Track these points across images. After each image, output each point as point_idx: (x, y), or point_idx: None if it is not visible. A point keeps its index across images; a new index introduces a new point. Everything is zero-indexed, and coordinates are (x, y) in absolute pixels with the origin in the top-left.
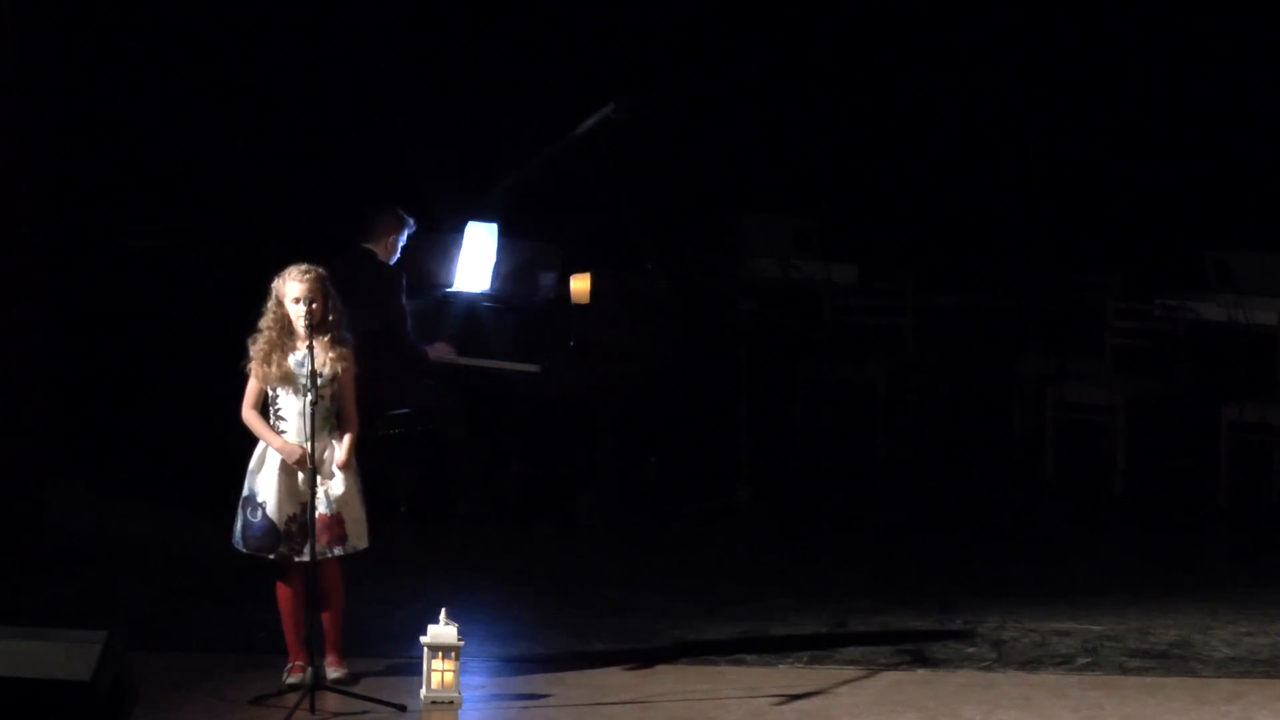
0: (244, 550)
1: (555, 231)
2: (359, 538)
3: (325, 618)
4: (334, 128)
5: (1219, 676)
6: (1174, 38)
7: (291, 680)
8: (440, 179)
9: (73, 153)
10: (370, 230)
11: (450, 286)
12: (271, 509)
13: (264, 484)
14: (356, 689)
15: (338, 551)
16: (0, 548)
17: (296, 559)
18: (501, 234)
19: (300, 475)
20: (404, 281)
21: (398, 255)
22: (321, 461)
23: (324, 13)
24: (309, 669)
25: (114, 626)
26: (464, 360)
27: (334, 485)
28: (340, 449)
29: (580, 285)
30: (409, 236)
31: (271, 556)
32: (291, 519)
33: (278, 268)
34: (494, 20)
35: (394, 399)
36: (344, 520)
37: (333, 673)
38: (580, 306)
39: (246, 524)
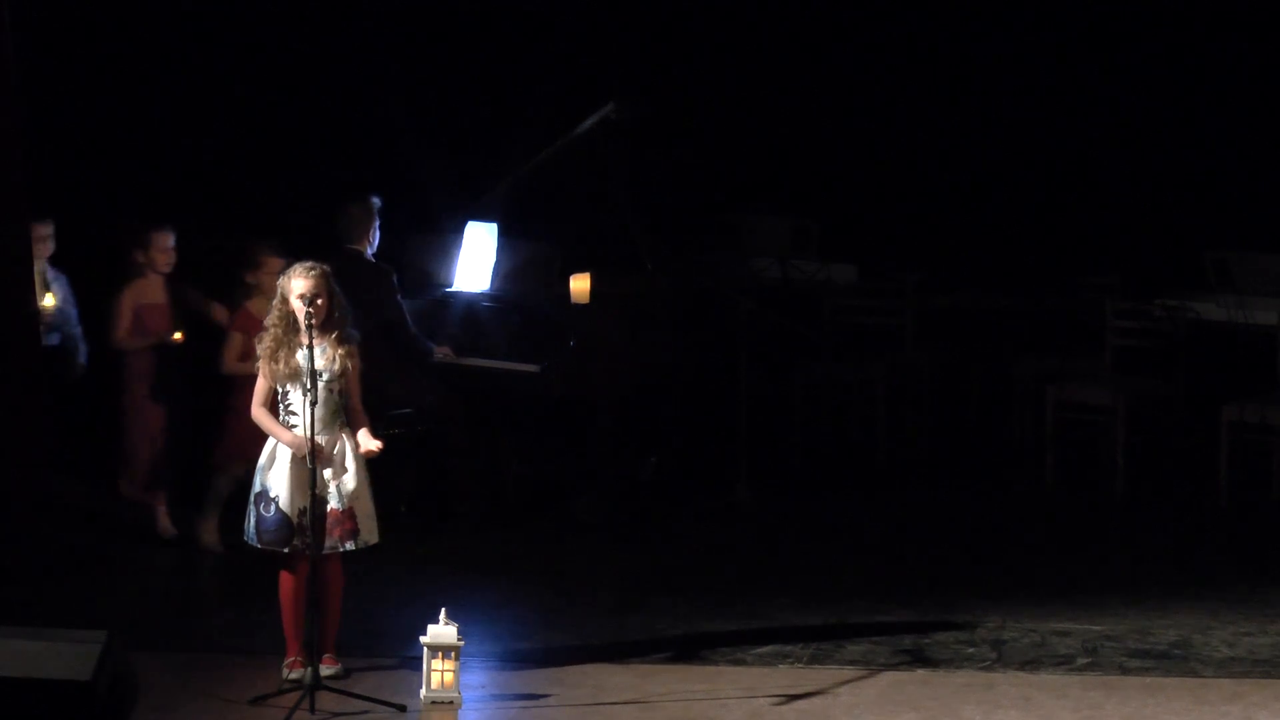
0: (259, 546)
1: (555, 231)
2: (370, 532)
3: (324, 615)
4: (334, 127)
5: (1219, 676)
6: (1174, 38)
7: (293, 676)
8: (440, 179)
9: (72, 152)
10: (348, 229)
11: (450, 286)
12: (284, 502)
13: (275, 479)
14: (356, 689)
15: (349, 546)
16: (0, 549)
17: (309, 553)
18: (501, 234)
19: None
20: (395, 278)
21: (377, 241)
22: (331, 457)
23: (324, 12)
24: (308, 666)
25: (114, 626)
26: (464, 360)
27: (345, 480)
28: (365, 440)
29: (580, 285)
30: (381, 215)
31: (286, 550)
32: (303, 512)
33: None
34: (494, 20)
35: (394, 399)
36: (355, 515)
37: (326, 670)
38: (580, 306)
39: (260, 519)
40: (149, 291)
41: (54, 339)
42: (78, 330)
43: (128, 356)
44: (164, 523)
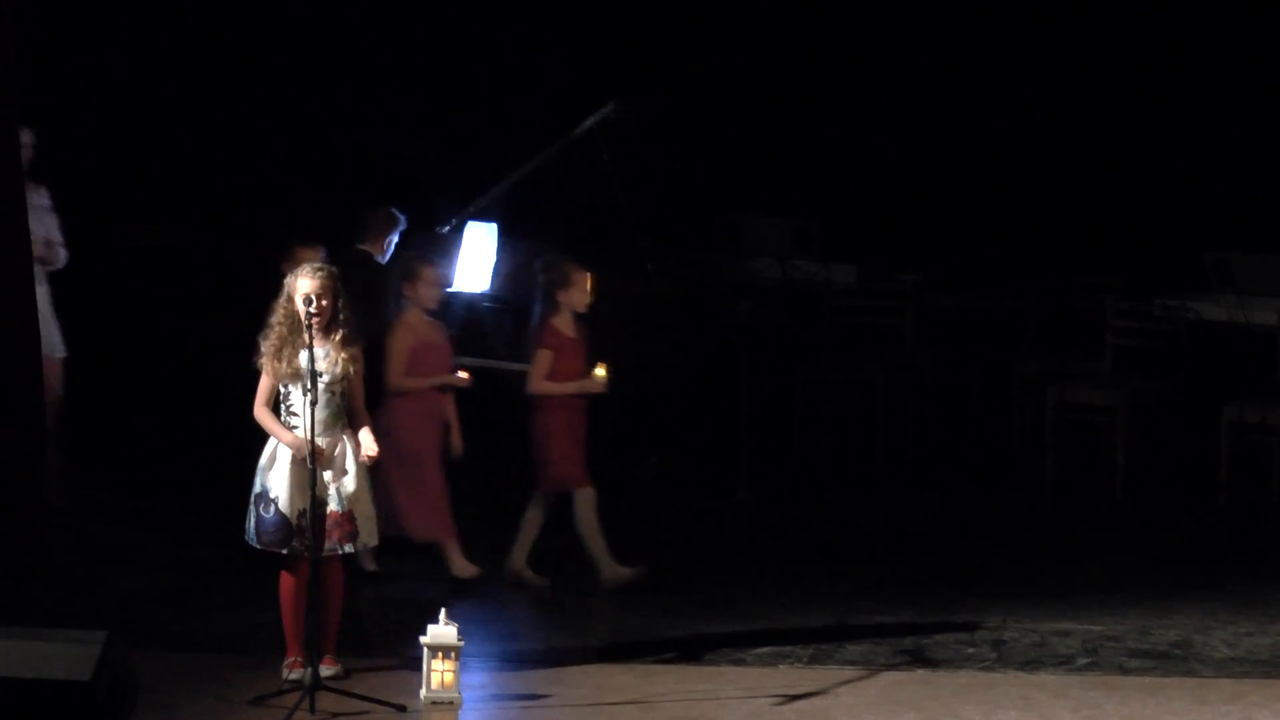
0: (258, 546)
1: (555, 231)
2: (369, 534)
3: (324, 616)
4: (335, 127)
5: (1219, 676)
6: (1174, 38)
7: (292, 676)
8: (440, 178)
9: (73, 153)
10: (365, 231)
11: (450, 286)
12: (284, 504)
13: (276, 479)
14: (356, 689)
15: (349, 548)
16: (1, 549)
17: (309, 554)
18: (501, 234)
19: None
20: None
21: (390, 253)
22: (332, 459)
23: (324, 12)
24: (308, 666)
25: (114, 626)
26: (464, 360)
27: (345, 482)
28: (366, 441)
29: None
30: (401, 234)
31: (285, 551)
32: (303, 514)
33: (277, 269)
34: (495, 20)
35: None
36: (355, 517)
37: (325, 670)
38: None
39: (260, 519)
40: (421, 329)
41: None
42: None
43: (400, 397)
44: (459, 562)
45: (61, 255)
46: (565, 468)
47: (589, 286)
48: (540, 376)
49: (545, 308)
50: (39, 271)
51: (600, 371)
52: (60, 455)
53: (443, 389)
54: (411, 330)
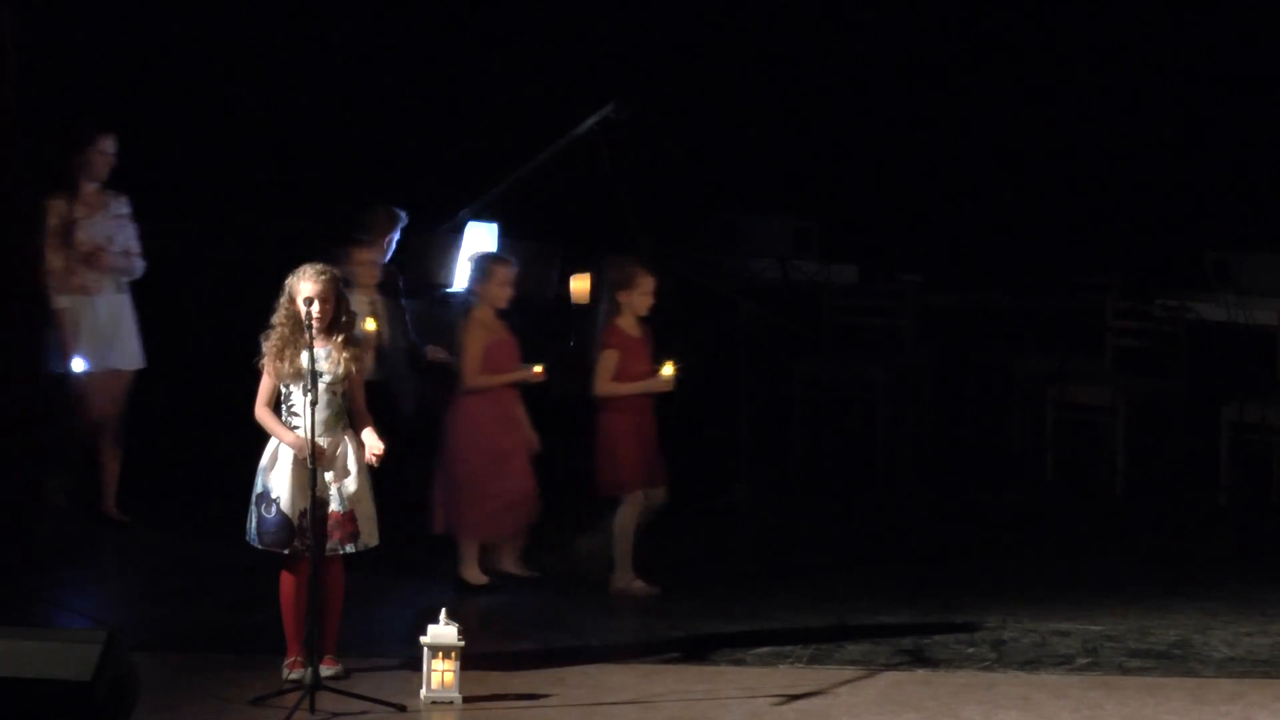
0: (259, 546)
1: (555, 231)
2: (370, 535)
3: (324, 616)
4: (335, 127)
5: (1219, 676)
6: (1174, 38)
7: (293, 676)
8: (440, 178)
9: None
10: (365, 228)
11: (450, 286)
12: (285, 504)
13: (277, 480)
14: (356, 689)
15: (350, 549)
16: (0, 548)
17: (310, 555)
18: (501, 234)
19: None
20: (400, 282)
21: (391, 252)
22: (333, 459)
23: (324, 11)
24: (308, 666)
25: (114, 626)
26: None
27: (347, 483)
28: (370, 440)
29: (580, 285)
30: (401, 230)
31: (286, 551)
32: (304, 514)
33: (277, 269)
34: (495, 20)
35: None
36: (356, 517)
37: (326, 670)
38: (580, 306)
39: (261, 520)
40: (493, 327)
41: (376, 374)
42: (405, 369)
43: (474, 395)
44: (473, 569)
45: (138, 265)
46: (627, 471)
47: (652, 289)
48: (607, 377)
49: (609, 308)
50: (119, 281)
51: (668, 370)
52: (119, 466)
53: (515, 385)
54: (485, 328)
